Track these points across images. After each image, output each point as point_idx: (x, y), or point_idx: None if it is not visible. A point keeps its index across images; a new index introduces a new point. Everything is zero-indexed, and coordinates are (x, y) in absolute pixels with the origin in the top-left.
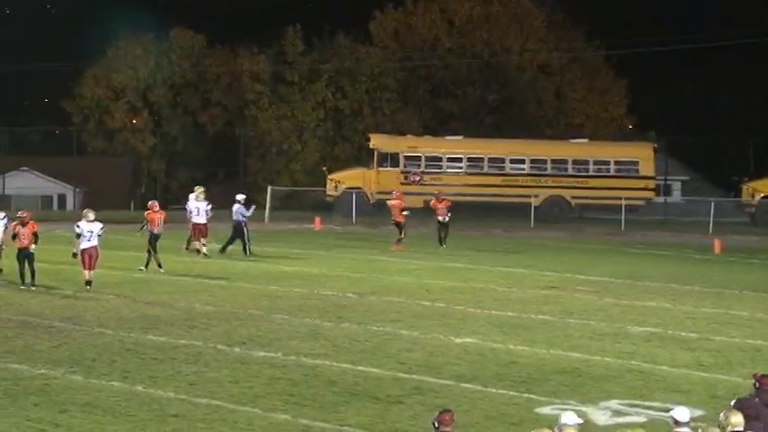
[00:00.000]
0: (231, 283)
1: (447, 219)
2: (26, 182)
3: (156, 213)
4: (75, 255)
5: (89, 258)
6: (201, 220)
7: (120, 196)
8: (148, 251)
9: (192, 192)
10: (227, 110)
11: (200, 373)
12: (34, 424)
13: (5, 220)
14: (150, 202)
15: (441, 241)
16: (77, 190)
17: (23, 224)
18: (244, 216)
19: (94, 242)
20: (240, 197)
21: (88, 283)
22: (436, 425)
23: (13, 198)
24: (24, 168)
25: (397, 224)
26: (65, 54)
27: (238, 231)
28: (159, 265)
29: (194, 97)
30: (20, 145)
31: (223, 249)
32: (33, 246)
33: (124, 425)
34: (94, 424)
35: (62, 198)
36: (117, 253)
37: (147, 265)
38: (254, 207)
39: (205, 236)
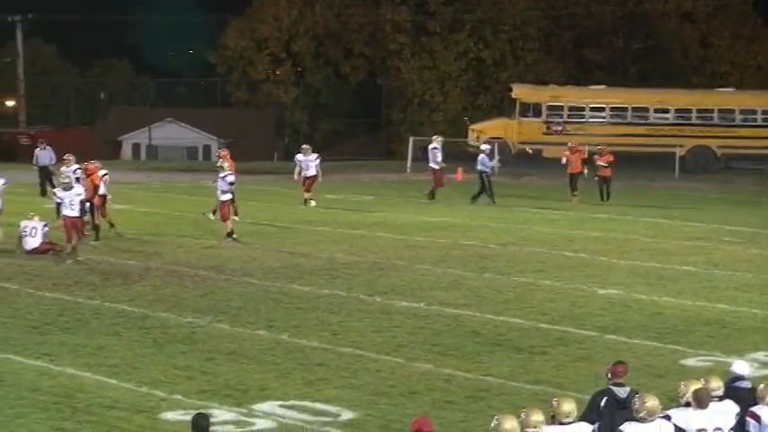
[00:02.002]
0: (373, 233)
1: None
2: (172, 133)
3: (232, 161)
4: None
5: (228, 210)
6: (311, 173)
7: (264, 147)
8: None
9: (300, 149)
10: (369, 61)
11: (344, 323)
12: (181, 371)
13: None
14: (223, 151)
15: (602, 195)
16: (221, 141)
17: (87, 175)
18: (485, 166)
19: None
20: (485, 147)
21: (230, 234)
22: (609, 376)
23: (159, 149)
24: (170, 119)
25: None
26: (211, 5)
27: (482, 180)
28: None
29: (337, 48)
30: (166, 96)
31: (474, 198)
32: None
33: (269, 373)
34: (240, 372)
35: (207, 149)
36: (260, 203)
37: (215, 212)
38: (498, 158)
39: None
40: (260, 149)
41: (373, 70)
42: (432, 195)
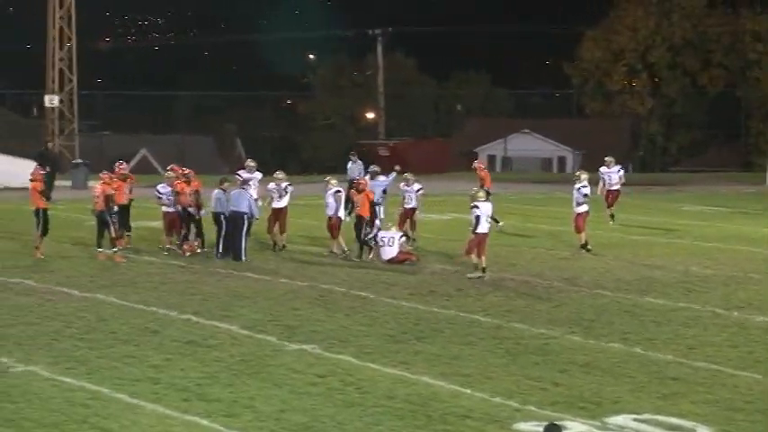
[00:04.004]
0: (729, 245)
1: None
2: (527, 144)
3: (484, 171)
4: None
5: (583, 221)
6: (615, 186)
7: (618, 158)
8: None
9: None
10: (727, 71)
11: (699, 337)
12: (534, 382)
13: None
14: (477, 161)
15: None
16: (576, 152)
17: (359, 191)
18: None
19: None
20: None
21: (584, 246)
22: None
23: (514, 160)
24: (525, 130)
25: None
26: (568, 17)
27: None
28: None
29: (694, 58)
30: (522, 107)
31: None
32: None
33: (623, 386)
34: (594, 384)
35: (561, 160)
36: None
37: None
38: None
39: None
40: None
41: (731, 80)
42: None
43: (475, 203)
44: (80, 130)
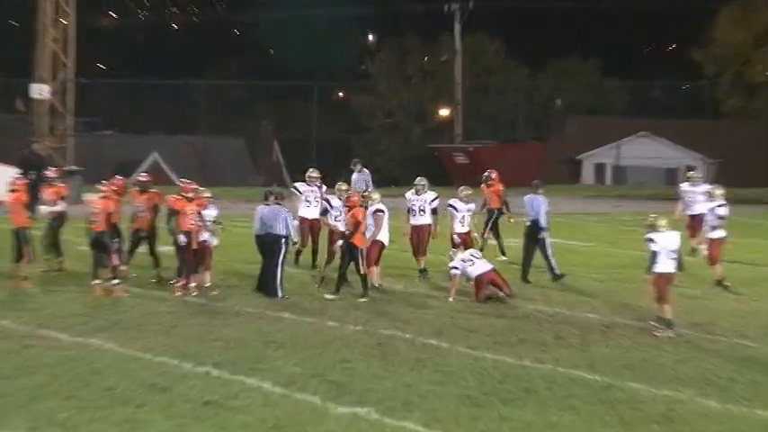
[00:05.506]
0: None
1: None
2: (646, 150)
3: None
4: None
5: (718, 250)
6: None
7: (762, 167)
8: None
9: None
10: None
11: None
12: None
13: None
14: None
15: None
16: (710, 161)
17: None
18: None
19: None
20: None
21: (720, 282)
22: None
23: (628, 170)
24: (643, 133)
25: None
26: None
27: None
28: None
29: None
30: (640, 104)
31: None
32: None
33: None
34: None
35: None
36: (758, 241)
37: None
38: None
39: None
40: (757, 170)
41: None
42: None
43: (650, 235)
44: (75, 129)
